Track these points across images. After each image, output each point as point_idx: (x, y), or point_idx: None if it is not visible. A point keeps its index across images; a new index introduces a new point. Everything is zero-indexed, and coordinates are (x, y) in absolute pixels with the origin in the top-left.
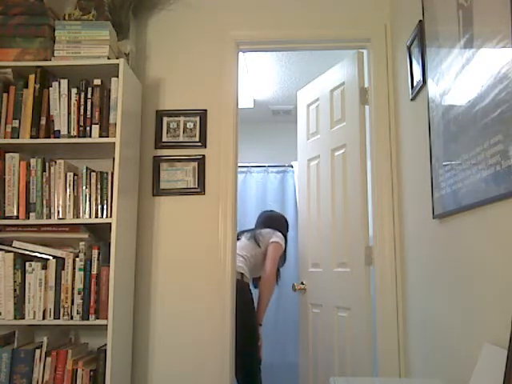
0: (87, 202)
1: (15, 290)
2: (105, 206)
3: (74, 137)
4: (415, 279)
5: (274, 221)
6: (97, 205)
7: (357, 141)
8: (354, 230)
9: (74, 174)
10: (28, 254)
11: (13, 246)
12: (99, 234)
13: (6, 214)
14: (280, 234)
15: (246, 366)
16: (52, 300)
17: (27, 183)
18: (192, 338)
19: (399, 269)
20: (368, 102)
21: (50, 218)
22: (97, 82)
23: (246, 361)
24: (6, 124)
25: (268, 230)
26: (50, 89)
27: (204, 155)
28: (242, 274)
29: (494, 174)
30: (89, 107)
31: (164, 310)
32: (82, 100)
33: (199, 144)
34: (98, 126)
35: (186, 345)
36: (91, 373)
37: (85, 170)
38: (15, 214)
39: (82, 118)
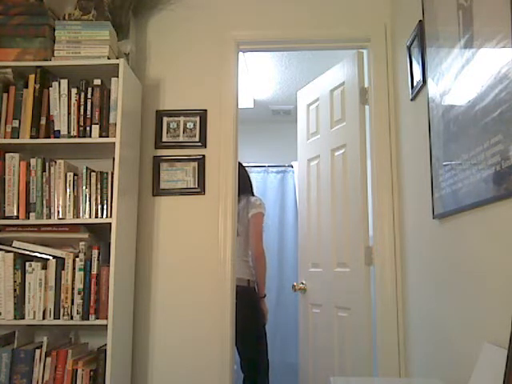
0: (87, 202)
1: (15, 290)
2: (105, 206)
3: (74, 137)
4: (415, 279)
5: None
6: (97, 205)
7: (357, 141)
8: (354, 229)
9: (74, 174)
10: (28, 254)
11: (13, 246)
12: (99, 234)
13: (6, 214)
14: (255, 198)
15: (254, 373)
16: (52, 300)
17: (27, 183)
18: (192, 337)
19: (399, 269)
20: (368, 102)
21: (50, 218)
22: (97, 82)
23: (254, 369)
24: (5, 124)
25: (242, 203)
26: (50, 89)
27: (204, 155)
28: (248, 280)
29: (494, 174)
30: (89, 107)
31: (164, 310)
32: (82, 100)
33: (199, 144)
34: (98, 126)
35: (186, 345)
36: (91, 373)
37: (85, 170)
38: (15, 214)
39: (81, 118)
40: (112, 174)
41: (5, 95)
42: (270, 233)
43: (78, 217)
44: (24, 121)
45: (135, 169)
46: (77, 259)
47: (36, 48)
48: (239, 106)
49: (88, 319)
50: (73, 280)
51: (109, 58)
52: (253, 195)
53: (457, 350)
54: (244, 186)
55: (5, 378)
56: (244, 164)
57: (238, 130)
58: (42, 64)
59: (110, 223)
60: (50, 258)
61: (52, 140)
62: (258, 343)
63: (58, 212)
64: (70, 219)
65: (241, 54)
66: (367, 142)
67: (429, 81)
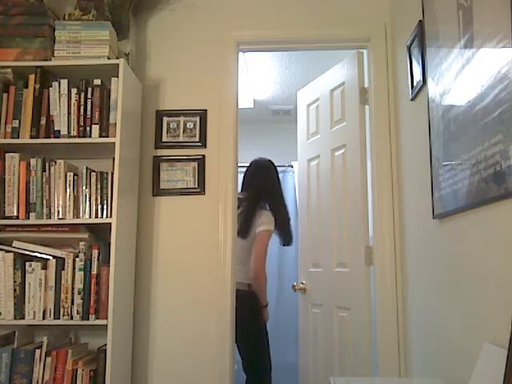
0: (87, 202)
1: (15, 290)
2: (105, 206)
3: (74, 137)
4: (415, 279)
5: (260, 189)
6: (97, 205)
7: (357, 141)
8: (354, 229)
9: (74, 174)
10: (28, 254)
11: (13, 246)
12: (99, 234)
13: (6, 214)
14: (267, 213)
15: (256, 374)
16: (52, 300)
17: (27, 183)
18: (192, 337)
19: (399, 269)
20: (368, 102)
21: (50, 218)
22: (97, 82)
23: (256, 370)
24: (6, 124)
25: (253, 213)
26: (50, 89)
27: (204, 155)
28: (248, 284)
29: (494, 174)
30: (89, 107)
31: (164, 310)
32: (82, 100)
33: (199, 144)
34: (97, 126)
35: (186, 345)
36: (91, 373)
37: (85, 170)
38: (15, 214)
39: (81, 118)
40: (112, 173)
41: (5, 95)
42: None
43: (78, 217)
44: (24, 121)
45: (135, 169)
46: (77, 259)
47: (36, 48)
48: (239, 106)
49: (88, 319)
50: (73, 280)
51: (109, 58)
52: (270, 208)
53: (457, 349)
54: (261, 192)
55: (5, 378)
56: (244, 164)
57: (238, 130)
58: (41, 64)
59: (110, 223)
60: (50, 258)
61: (52, 140)
62: (259, 344)
63: (58, 212)
64: (69, 219)
65: (241, 53)
66: (367, 142)
67: (429, 81)
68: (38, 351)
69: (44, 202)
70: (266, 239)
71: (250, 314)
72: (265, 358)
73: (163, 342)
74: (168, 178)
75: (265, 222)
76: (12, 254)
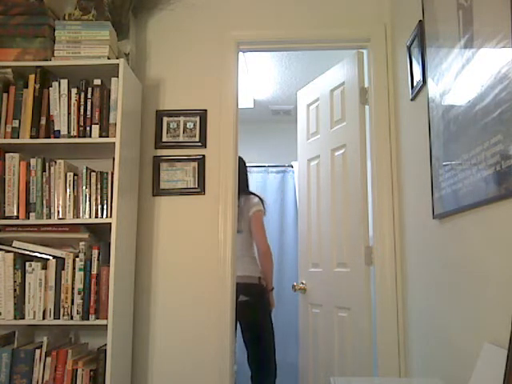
0: (87, 202)
1: (15, 290)
2: (105, 206)
3: (74, 137)
4: (415, 279)
5: (241, 184)
6: (97, 205)
7: (357, 141)
8: (353, 229)
9: (74, 174)
10: (28, 254)
11: (13, 246)
12: (99, 234)
13: (6, 214)
14: (253, 196)
15: (265, 374)
16: (52, 300)
17: (27, 183)
18: (192, 337)
19: (399, 269)
20: (368, 102)
21: (50, 218)
22: (97, 82)
23: (262, 368)
24: (6, 124)
25: (241, 200)
26: (50, 89)
27: (204, 155)
28: (258, 277)
29: (494, 173)
30: (89, 107)
31: (164, 310)
32: (82, 100)
33: (199, 144)
34: (97, 126)
35: (186, 345)
36: (91, 373)
37: (85, 170)
38: (15, 214)
39: (81, 118)
40: (112, 173)
41: (5, 95)
42: (270, 232)
43: (78, 217)
44: (24, 121)
45: (135, 169)
46: (77, 259)
47: (36, 48)
48: (239, 106)
49: (88, 319)
50: (73, 280)
51: (109, 58)
52: (250, 192)
53: (457, 349)
54: (243, 183)
55: (5, 378)
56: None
57: (238, 129)
58: (41, 64)
59: (110, 223)
60: (50, 258)
61: (52, 140)
62: (266, 340)
63: (58, 212)
64: (70, 219)
65: (241, 53)
66: (367, 142)
67: (429, 81)
68: (37, 351)
69: (44, 201)
70: (261, 218)
71: (260, 311)
72: (271, 357)
73: (163, 341)
74: (168, 178)
75: (254, 203)
76: (12, 254)
